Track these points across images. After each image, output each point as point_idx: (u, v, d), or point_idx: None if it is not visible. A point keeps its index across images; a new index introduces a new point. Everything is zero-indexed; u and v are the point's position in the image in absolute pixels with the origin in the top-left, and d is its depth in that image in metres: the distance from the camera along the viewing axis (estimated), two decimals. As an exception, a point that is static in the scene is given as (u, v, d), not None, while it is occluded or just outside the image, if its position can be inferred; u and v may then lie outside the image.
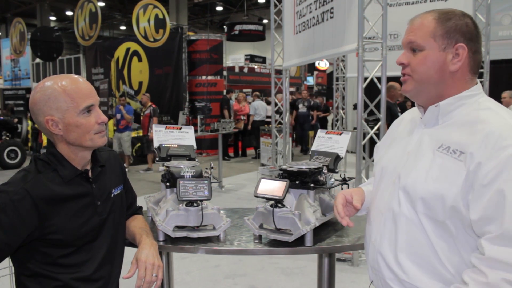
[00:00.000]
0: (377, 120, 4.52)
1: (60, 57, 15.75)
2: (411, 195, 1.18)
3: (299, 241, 1.58)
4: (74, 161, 1.39)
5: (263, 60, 18.69)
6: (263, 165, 8.31)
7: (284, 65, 6.49)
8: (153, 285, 1.40)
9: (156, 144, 2.00)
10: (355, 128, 5.04)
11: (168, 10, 13.92)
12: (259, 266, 4.09)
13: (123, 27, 23.84)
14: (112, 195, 1.50)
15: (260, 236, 1.65)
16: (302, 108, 11.85)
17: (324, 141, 1.94)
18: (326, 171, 1.76)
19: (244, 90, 16.08)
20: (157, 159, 1.96)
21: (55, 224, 1.32)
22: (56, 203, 1.32)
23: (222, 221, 1.67)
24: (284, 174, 1.73)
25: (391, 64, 5.08)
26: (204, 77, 11.85)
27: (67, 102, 1.33)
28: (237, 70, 16.32)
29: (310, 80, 20.15)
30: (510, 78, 9.62)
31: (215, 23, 24.54)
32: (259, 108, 11.10)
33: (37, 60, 16.63)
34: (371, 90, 4.44)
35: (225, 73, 13.78)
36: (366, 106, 4.30)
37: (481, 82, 6.52)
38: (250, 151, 11.57)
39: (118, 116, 9.10)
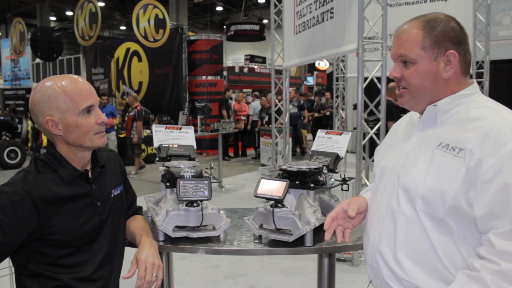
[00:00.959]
0: (377, 120, 4.52)
1: (60, 57, 15.76)
2: (411, 193, 1.18)
3: (299, 241, 1.58)
4: (74, 162, 1.39)
5: (263, 60, 18.69)
6: (263, 165, 8.31)
7: (284, 65, 6.49)
8: (153, 285, 1.40)
9: (156, 144, 2.00)
10: (355, 128, 5.04)
11: (168, 10, 13.91)
12: (259, 266, 4.09)
13: (123, 27, 23.84)
14: (112, 196, 1.50)
15: (260, 236, 1.66)
16: (292, 109, 11.59)
17: (324, 141, 1.94)
18: (326, 171, 1.76)
19: (244, 90, 16.10)
20: (157, 159, 1.96)
21: (55, 224, 1.32)
22: (56, 204, 1.32)
23: (222, 221, 1.67)
24: (284, 174, 1.73)
25: (391, 64, 5.09)
26: (204, 77, 11.86)
27: (67, 102, 1.32)
28: (237, 70, 16.32)
29: (310, 80, 20.16)
30: (510, 78, 9.62)
31: (215, 23, 24.54)
32: (258, 108, 11.10)
33: (37, 60, 16.63)
34: (371, 90, 4.45)
35: (225, 73, 13.78)
36: (366, 106, 4.30)
37: (481, 82, 6.54)
38: (250, 151, 11.57)
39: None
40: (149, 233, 1.58)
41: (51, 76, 1.40)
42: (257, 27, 14.74)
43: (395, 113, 5.87)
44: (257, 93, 12.71)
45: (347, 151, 1.91)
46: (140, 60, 12.83)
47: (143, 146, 10.35)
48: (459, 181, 1.10)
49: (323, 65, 19.00)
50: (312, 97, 15.04)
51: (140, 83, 12.95)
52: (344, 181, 1.88)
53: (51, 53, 14.21)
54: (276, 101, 7.24)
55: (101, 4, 17.65)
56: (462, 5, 6.02)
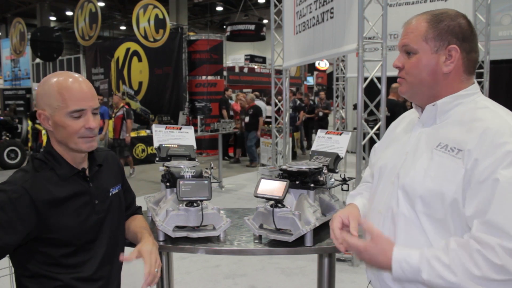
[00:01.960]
0: (377, 120, 4.52)
1: (60, 57, 15.76)
2: (410, 194, 1.18)
3: (299, 241, 1.58)
4: (69, 160, 1.40)
5: (263, 60, 18.68)
6: (263, 165, 8.31)
7: (284, 65, 6.49)
8: (156, 279, 1.41)
9: (156, 144, 2.00)
10: (355, 128, 5.04)
11: (168, 10, 13.92)
12: (259, 266, 4.09)
13: (123, 27, 23.84)
14: (110, 194, 1.50)
15: (260, 236, 1.65)
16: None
17: (324, 141, 1.94)
18: (326, 171, 1.76)
19: (244, 90, 16.08)
20: (157, 159, 1.96)
21: (54, 223, 1.31)
22: (54, 202, 1.32)
23: (222, 221, 1.67)
24: (284, 174, 1.73)
25: (391, 64, 5.08)
26: (204, 77, 11.85)
27: (58, 101, 1.32)
28: (237, 70, 16.31)
29: (310, 80, 20.16)
30: (510, 78, 9.62)
31: (215, 23, 24.54)
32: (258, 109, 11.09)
33: (37, 60, 16.64)
34: (371, 90, 4.45)
35: (225, 73, 13.78)
36: (366, 106, 4.30)
37: (481, 82, 6.54)
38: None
39: None
40: (150, 233, 1.58)
41: (59, 72, 1.41)
42: (252, 27, 14.68)
43: (402, 112, 5.86)
44: (257, 93, 12.70)
45: (347, 151, 1.91)
46: (140, 60, 12.83)
47: (143, 146, 10.37)
48: (458, 182, 1.10)
49: (323, 65, 19.00)
50: (307, 97, 14.97)
51: (140, 83, 12.96)
52: (344, 181, 1.88)
53: (51, 53, 14.21)
54: (276, 101, 7.24)
55: (101, 4, 17.65)
56: (462, 5, 6.02)
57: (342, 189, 1.87)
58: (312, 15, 5.30)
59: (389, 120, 7.18)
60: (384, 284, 1.27)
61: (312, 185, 1.69)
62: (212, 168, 1.84)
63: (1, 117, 10.80)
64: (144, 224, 1.64)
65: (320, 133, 1.98)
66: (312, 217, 1.59)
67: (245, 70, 16.39)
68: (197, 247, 1.60)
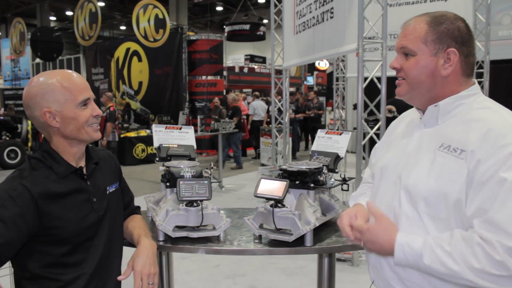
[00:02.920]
0: (377, 120, 4.52)
1: (60, 57, 15.77)
2: (413, 194, 1.18)
3: (299, 241, 1.57)
4: (68, 156, 1.40)
5: (263, 60, 18.70)
6: (263, 165, 8.31)
7: (284, 65, 6.49)
8: None
9: (156, 144, 2.00)
10: (355, 128, 5.04)
11: (168, 10, 13.92)
12: (259, 266, 4.09)
13: (123, 27, 23.83)
14: (108, 192, 1.50)
15: (260, 236, 1.65)
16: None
17: (324, 141, 1.94)
18: (326, 171, 1.76)
19: (244, 90, 16.10)
20: (157, 159, 1.96)
21: (54, 218, 1.32)
22: (53, 198, 1.32)
23: (222, 221, 1.67)
24: (284, 174, 1.73)
25: (391, 64, 5.09)
26: (204, 77, 11.86)
27: (65, 95, 1.35)
28: (237, 70, 16.32)
29: (310, 80, 20.15)
30: (510, 78, 9.62)
31: (215, 23, 24.54)
32: (258, 108, 11.09)
33: (37, 60, 16.64)
34: (371, 90, 4.45)
35: (225, 73, 13.79)
36: (366, 106, 4.30)
37: (481, 82, 6.55)
38: (250, 151, 11.57)
39: None
40: (147, 233, 1.57)
41: (44, 72, 1.42)
42: (247, 27, 14.65)
43: None
44: (256, 93, 12.70)
45: (347, 151, 1.91)
46: (140, 60, 12.83)
47: (142, 146, 10.37)
48: (461, 183, 1.10)
49: (323, 65, 18.99)
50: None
51: (140, 83, 12.96)
52: (344, 181, 1.88)
53: (51, 53, 14.22)
54: (276, 101, 7.24)
55: (101, 4, 17.65)
56: (462, 5, 6.02)
57: (342, 189, 1.87)
58: (312, 15, 5.30)
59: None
60: (387, 284, 1.27)
61: (312, 185, 1.69)
62: (212, 168, 1.84)
63: (1, 117, 10.80)
64: (142, 224, 1.63)
65: (320, 133, 1.98)
66: (312, 217, 1.59)
67: (245, 70, 16.41)
68: (197, 247, 1.60)
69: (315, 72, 19.20)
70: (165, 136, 2.04)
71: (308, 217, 1.58)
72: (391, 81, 5.29)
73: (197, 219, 1.59)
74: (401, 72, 1.25)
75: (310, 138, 12.43)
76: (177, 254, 2.07)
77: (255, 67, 17.36)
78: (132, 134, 10.59)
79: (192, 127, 2.18)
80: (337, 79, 9.26)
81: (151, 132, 2.08)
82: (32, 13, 19.85)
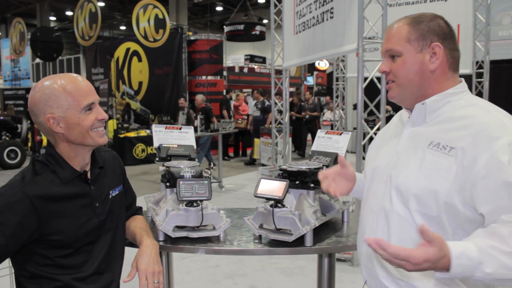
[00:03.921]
0: (377, 120, 4.52)
1: (60, 57, 15.76)
2: (404, 193, 1.19)
3: (299, 241, 1.58)
4: (73, 162, 1.39)
5: (263, 60, 18.68)
6: (263, 165, 8.31)
7: (284, 65, 6.49)
8: None
9: (156, 144, 2.00)
10: (355, 128, 5.04)
11: (168, 10, 13.91)
12: (259, 266, 4.09)
13: (123, 27, 23.83)
14: (110, 196, 1.49)
15: (260, 236, 1.66)
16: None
17: (324, 141, 1.94)
18: (326, 171, 1.76)
19: (244, 90, 16.09)
20: (157, 159, 1.96)
21: (55, 225, 1.31)
22: (54, 203, 1.32)
23: (222, 221, 1.67)
24: (284, 174, 1.73)
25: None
26: (204, 77, 11.85)
27: (68, 100, 1.33)
28: (237, 70, 16.31)
29: (310, 80, 20.15)
30: (510, 78, 9.62)
31: (215, 23, 24.53)
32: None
33: (37, 60, 16.64)
34: (371, 90, 4.45)
35: (225, 73, 13.78)
36: (366, 106, 4.30)
37: (481, 82, 6.54)
38: (250, 151, 11.56)
39: None
40: (149, 233, 1.58)
41: (49, 76, 1.40)
42: (241, 27, 14.63)
43: None
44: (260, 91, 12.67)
45: (347, 151, 1.91)
46: (140, 60, 12.83)
47: (142, 146, 10.37)
48: (451, 180, 1.11)
49: (323, 65, 18.99)
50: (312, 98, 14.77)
51: (140, 83, 12.96)
52: (344, 181, 1.87)
53: (51, 53, 14.21)
54: (277, 101, 7.23)
55: (101, 4, 17.65)
56: (462, 5, 6.02)
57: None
58: (312, 15, 5.30)
59: None
60: (379, 283, 1.28)
61: (312, 185, 1.69)
62: (212, 168, 1.84)
63: (1, 117, 10.79)
64: (144, 224, 1.63)
65: (320, 133, 1.99)
66: (312, 217, 1.59)
67: (245, 70, 16.39)
68: (197, 247, 1.60)
69: (315, 72, 19.20)
70: (165, 136, 2.04)
71: (308, 217, 1.58)
72: (391, 81, 5.22)
73: (197, 219, 1.59)
74: (390, 74, 1.27)
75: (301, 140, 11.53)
76: (177, 254, 2.08)
77: (255, 67, 17.35)
78: (132, 134, 10.59)
79: (192, 127, 2.18)
80: (337, 79, 9.26)
81: (151, 132, 2.08)
82: (32, 13, 19.84)
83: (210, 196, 1.60)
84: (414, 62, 1.22)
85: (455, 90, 1.23)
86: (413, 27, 1.23)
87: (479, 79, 6.56)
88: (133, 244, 1.59)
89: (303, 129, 11.41)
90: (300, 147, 11.29)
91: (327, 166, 1.79)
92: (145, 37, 10.61)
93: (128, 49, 13.15)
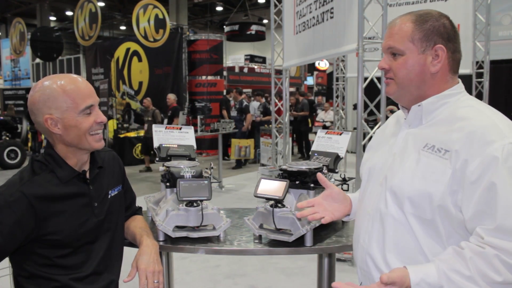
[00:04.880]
0: (377, 120, 4.52)
1: (60, 57, 15.76)
2: (398, 195, 1.18)
3: (299, 241, 1.58)
4: (71, 162, 1.39)
5: (263, 60, 18.69)
6: (263, 165, 8.31)
7: (284, 65, 6.49)
8: None
9: (156, 144, 2.00)
10: (355, 128, 5.04)
11: (168, 10, 13.91)
12: (259, 266, 4.09)
13: (123, 27, 23.82)
14: (109, 196, 1.49)
15: (260, 236, 1.65)
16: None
17: (324, 141, 1.94)
18: (326, 171, 1.76)
19: (244, 90, 16.08)
20: (157, 159, 1.96)
21: (53, 225, 1.31)
22: (52, 202, 1.32)
23: (222, 221, 1.67)
24: (284, 174, 1.73)
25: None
26: (204, 77, 11.85)
27: (67, 102, 1.32)
28: (237, 70, 16.32)
29: (310, 80, 20.17)
30: (510, 78, 9.61)
31: (215, 23, 24.53)
32: (256, 109, 11.07)
33: (37, 60, 16.64)
34: (371, 90, 4.45)
35: (225, 73, 13.78)
36: (366, 106, 4.30)
37: (481, 82, 6.54)
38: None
39: None
40: (149, 233, 1.58)
41: (50, 76, 1.39)
42: (236, 27, 14.62)
43: None
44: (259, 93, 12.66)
45: (347, 151, 1.91)
46: (140, 60, 12.83)
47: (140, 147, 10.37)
48: (445, 183, 1.09)
49: (323, 65, 19.00)
50: (312, 97, 14.70)
51: (140, 83, 12.95)
52: (344, 181, 1.88)
53: (51, 53, 14.21)
54: (277, 101, 7.23)
55: (101, 4, 17.66)
56: (462, 5, 6.03)
57: (342, 189, 1.87)
58: (312, 15, 5.30)
59: None
60: None
61: (312, 185, 1.69)
62: (212, 168, 1.84)
63: (1, 117, 10.79)
64: (144, 224, 1.63)
65: (320, 133, 1.99)
66: (312, 217, 1.59)
67: (245, 70, 16.40)
68: (197, 247, 1.60)
69: (315, 72, 19.22)
70: (165, 136, 2.04)
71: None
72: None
73: (197, 219, 1.59)
74: (390, 72, 1.25)
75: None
76: (177, 254, 2.07)
77: (255, 67, 17.36)
78: (132, 134, 10.59)
79: (192, 127, 2.18)
80: (337, 79, 9.26)
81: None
82: (32, 13, 19.84)
83: (210, 196, 1.60)
84: (415, 63, 1.20)
85: (452, 92, 1.21)
86: (417, 26, 1.20)
87: (479, 79, 6.56)
88: (133, 244, 1.59)
89: (294, 131, 10.91)
90: (301, 149, 11.11)
91: (327, 166, 1.79)
92: (145, 37, 10.61)
93: (128, 49, 13.14)
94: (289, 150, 7.26)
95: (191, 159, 1.96)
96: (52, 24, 20.57)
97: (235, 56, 19.97)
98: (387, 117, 5.13)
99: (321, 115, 11.53)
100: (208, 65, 11.77)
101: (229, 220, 1.69)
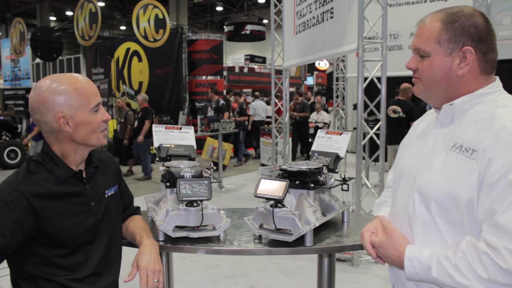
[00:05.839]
0: (377, 120, 4.52)
1: (60, 57, 15.76)
2: (425, 196, 1.15)
3: (299, 241, 1.57)
4: (70, 160, 1.39)
5: (263, 60, 18.70)
6: (263, 165, 8.31)
7: (284, 65, 6.49)
8: None
9: (156, 144, 2.00)
10: (355, 128, 5.04)
11: (168, 10, 13.92)
12: (259, 266, 4.09)
13: (123, 27, 23.83)
14: (106, 196, 1.49)
15: (260, 236, 1.65)
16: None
17: (324, 141, 1.94)
18: (326, 171, 1.76)
19: (244, 90, 16.09)
20: (157, 159, 1.96)
21: (51, 223, 1.31)
22: (50, 200, 1.32)
23: (222, 221, 1.67)
24: (284, 174, 1.73)
25: (391, 64, 5.09)
26: (204, 77, 11.85)
27: (79, 100, 1.34)
28: (237, 70, 16.32)
29: (310, 80, 20.17)
30: (510, 78, 9.60)
31: (215, 23, 24.54)
32: (258, 108, 11.08)
33: (37, 60, 16.64)
34: (371, 90, 4.45)
35: (225, 73, 13.78)
36: (366, 106, 4.30)
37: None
38: (250, 151, 11.56)
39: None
40: (149, 233, 1.57)
41: (52, 75, 1.39)
42: (232, 27, 14.63)
43: (419, 112, 5.94)
44: (257, 93, 12.69)
45: (347, 151, 1.91)
46: (140, 60, 12.83)
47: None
48: (472, 185, 1.06)
49: (323, 65, 19.00)
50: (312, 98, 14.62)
51: (140, 83, 12.95)
52: (344, 181, 1.88)
53: (51, 53, 14.22)
54: (277, 101, 7.23)
55: (101, 4, 17.65)
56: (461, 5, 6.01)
57: (342, 189, 1.87)
58: (312, 15, 5.30)
59: (405, 121, 7.22)
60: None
61: (312, 185, 1.69)
62: (212, 168, 1.84)
63: (1, 117, 10.79)
64: (143, 224, 1.63)
65: (320, 133, 1.99)
66: (312, 217, 1.59)
67: (245, 70, 16.41)
68: (197, 247, 1.60)
69: (315, 72, 19.22)
70: (165, 136, 2.04)
71: (308, 217, 1.58)
72: (391, 81, 5.33)
73: (197, 219, 1.59)
74: (417, 72, 1.22)
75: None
76: (177, 254, 2.07)
77: (255, 67, 17.37)
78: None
79: (192, 127, 2.18)
80: (337, 79, 9.26)
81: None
82: (32, 13, 19.84)
83: (210, 196, 1.60)
84: (441, 65, 1.16)
85: (486, 91, 1.16)
86: (446, 26, 1.14)
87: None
88: (132, 244, 1.59)
89: (294, 133, 10.58)
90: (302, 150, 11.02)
91: (327, 166, 1.79)
92: (145, 37, 10.61)
93: (128, 49, 13.14)
94: (289, 150, 7.26)
95: (191, 159, 1.96)
96: (52, 24, 20.58)
97: (235, 56, 19.98)
98: (387, 117, 5.17)
99: (313, 115, 11.28)
100: (208, 65, 11.77)
101: (229, 220, 1.69)
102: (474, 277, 1.01)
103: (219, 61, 12.13)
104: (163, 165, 1.83)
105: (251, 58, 18.62)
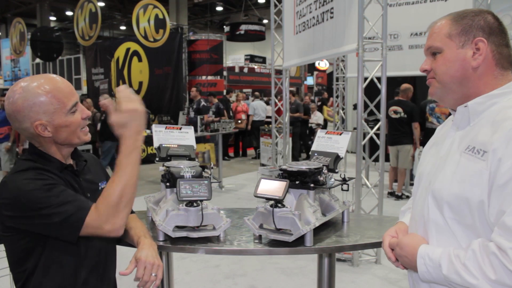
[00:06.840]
0: (377, 120, 4.52)
1: (60, 57, 15.75)
2: (438, 199, 1.15)
3: (299, 241, 1.57)
4: (57, 157, 1.41)
5: (263, 60, 18.71)
6: (263, 165, 8.30)
7: (284, 65, 6.49)
8: (152, 285, 1.40)
9: (156, 144, 2.00)
10: (355, 128, 5.04)
11: (168, 10, 13.91)
12: (259, 266, 4.09)
13: (123, 27, 23.83)
14: (100, 188, 1.51)
15: (260, 236, 1.65)
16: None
17: (324, 141, 1.94)
18: (326, 171, 1.76)
19: (244, 90, 16.10)
20: (157, 159, 1.96)
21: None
22: (56, 186, 1.32)
23: (222, 221, 1.67)
24: (284, 174, 1.73)
25: (391, 64, 5.09)
26: (204, 77, 11.85)
27: (54, 104, 1.32)
28: (237, 70, 16.33)
29: (310, 80, 20.16)
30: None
31: (215, 23, 24.53)
32: (258, 108, 11.09)
33: (37, 60, 16.62)
34: (371, 90, 4.45)
35: (225, 73, 13.78)
36: (366, 106, 4.30)
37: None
38: (250, 151, 11.57)
39: None
40: (146, 233, 1.57)
41: (24, 79, 1.36)
42: (228, 28, 14.63)
43: (420, 112, 5.95)
44: (257, 93, 12.69)
45: (347, 151, 1.91)
46: (140, 60, 12.82)
47: (142, 146, 10.36)
48: (483, 187, 1.04)
49: (323, 65, 18.99)
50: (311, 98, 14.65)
51: (140, 83, 12.95)
52: (344, 181, 1.88)
53: (51, 53, 14.20)
54: (277, 101, 7.23)
55: (101, 4, 17.65)
56: (462, 5, 6.01)
57: (342, 189, 1.87)
58: (312, 15, 5.30)
59: (407, 121, 7.21)
60: None
61: (312, 185, 1.69)
62: (212, 168, 1.84)
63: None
64: (139, 224, 1.62)
65: (320, 133, 1.99)
66: (312, 217, 1.59)
67: (245, 70, 16.41)
68: (197, 247, 1.60)
69: (315, 72, 19.21)
70: (165, 136, 2.04)
71: (308, 217, 1.58)
72: (391, 81, 5.33)
73: (197, 219, 1.59)
74: (431, 73, 1.22)
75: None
76: (177, 254, 2.07)
77: (255, 67, 17.37)
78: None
79: (192, 127, 2.18)
80: (337, 79, 9.25)
81: (151, 132, 2.08)
82: (32, 13, 19.84)
83: (210, 196, 1.60)
84: (455, 58, 1.15)
85: (502, 91, 1.13)
86: (455, 21, 1.16)
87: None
88: (130, 244, 1.58)
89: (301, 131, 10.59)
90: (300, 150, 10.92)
91: (327, 166, 1.79)
92: (145, 37, 10.60)
93: (128, 49, 13.13)
94: (289, 150, 7.26)
95: (191, 159, 1.96)
96: (52, 24, 20.59)
97: (235, 56, 19.98)
98: (389, 118, 5.17)
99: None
100: (208, 65, 11.77)
101: (229, 220, 1.69)
102: (482, 277, 1.00)
103: (219, 61, 12.13)
104: (163, 165, 1.83)
105: (251, 58, 18.63)
